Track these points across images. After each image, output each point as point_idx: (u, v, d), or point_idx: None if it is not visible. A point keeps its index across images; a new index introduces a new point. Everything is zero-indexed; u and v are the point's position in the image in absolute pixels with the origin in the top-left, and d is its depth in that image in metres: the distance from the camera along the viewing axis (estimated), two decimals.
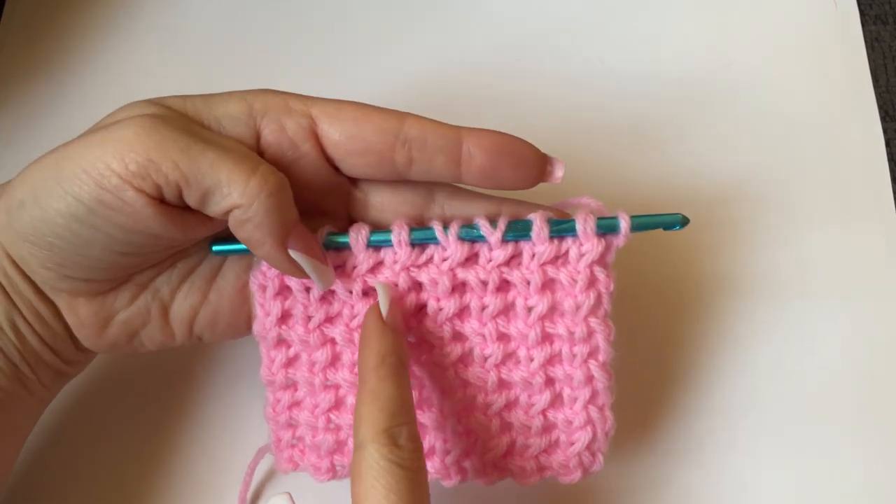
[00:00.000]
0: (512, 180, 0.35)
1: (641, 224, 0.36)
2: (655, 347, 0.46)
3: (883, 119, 0.51)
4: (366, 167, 0.35)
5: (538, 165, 0.35)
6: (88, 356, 0.40)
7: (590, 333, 0.36)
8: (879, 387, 0.45)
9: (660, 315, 0.47)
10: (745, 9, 0.54)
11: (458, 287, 0.36)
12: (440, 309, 0.36)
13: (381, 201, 0.37)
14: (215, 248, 0.37)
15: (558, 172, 0.36)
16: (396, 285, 0.36)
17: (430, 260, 0.36)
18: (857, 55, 0.52)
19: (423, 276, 0.36)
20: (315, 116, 0.35)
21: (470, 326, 0.36)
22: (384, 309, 0.35)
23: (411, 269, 0.36)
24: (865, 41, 0.53)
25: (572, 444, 0.37)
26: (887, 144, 0.50)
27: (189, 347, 0.42)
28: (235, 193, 0.33)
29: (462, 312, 0.36)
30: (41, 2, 0.56)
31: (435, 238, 0.35)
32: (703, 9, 0.54)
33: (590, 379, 0.36)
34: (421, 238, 0.36)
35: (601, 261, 0.36)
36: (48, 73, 0.54)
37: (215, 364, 0.46)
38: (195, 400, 0.45)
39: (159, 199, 0.33)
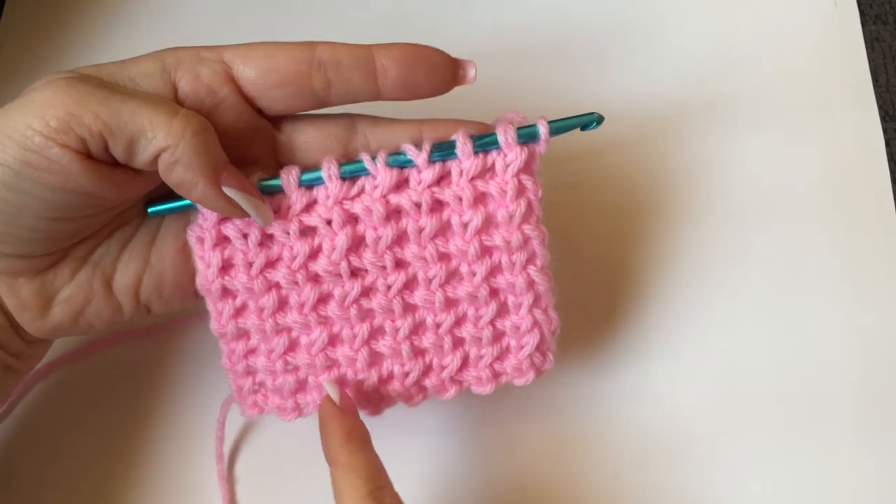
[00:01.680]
0: (428, 87, 0.36)
1: (559, 127, 0.37)
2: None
3: (883, 119, 0.51)
4: (286, 99, 0.36)
5: (450, 68, 0.36)
6: (36, 348, 0.39)
7: (525, 240, 0.37)
8: (879, 387, 0.45)
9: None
10: (745, 9, 0.54)
11: (393, 214, 0.37)
12: (378, 238, 0.37)
13: (305, 140, 0.38)
14: (150, 209, 0.37)
15: (471, 72, 0.37)
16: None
17: (362, 191, 0.37)
18: (857, 55, 0.52)
19: (357, 207, 0.36)
20: (228, 60, 0.36)
21: (410, 251, 0.37)
22: (335, 399, 0.37)
23: (344, 202, 0.36)
24: (865, 41, 0.53)
25: (522, 347, 0.39)
26: (887, 144, 0.50)
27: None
28: (160, 136, 0.33)
29: (401, 239, 0.37)
30: (41, 2, 0.56)
31: (364, 169, 0.36)
32: (703, 9, 0.54)
33: (531, 284, 0.38)
34: (350, 171, 0.36)
35: (527, 169, 0.37)
36: (48, 73, 0.54)
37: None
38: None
39: (86, 154, 0.33)
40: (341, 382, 0.38)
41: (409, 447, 0.44)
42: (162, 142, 0.33)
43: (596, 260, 0.48)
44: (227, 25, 0.55)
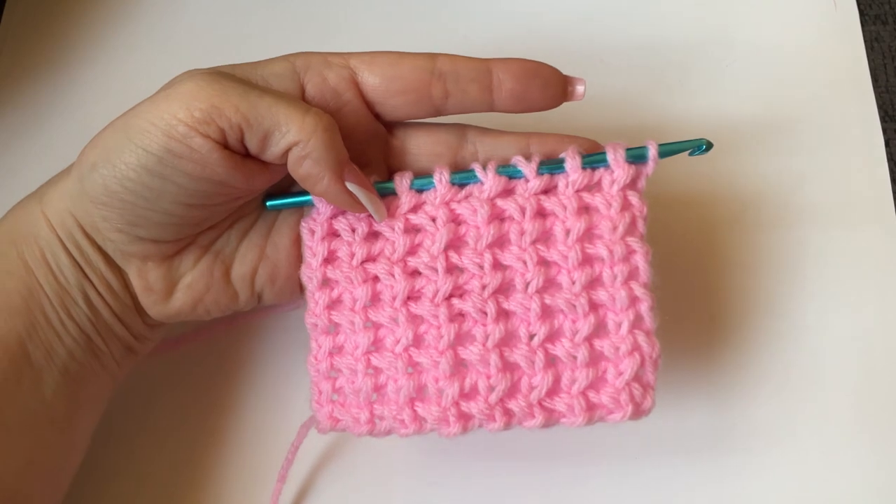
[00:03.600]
0: (540, 101, 0.38)
1: (668, 150, 0.38)
2: None
3: (883, 119, 0.51)
4: (405, 106, 0.38)
5: (562, 84, 0.38)
6: (154, 331, 0.42)
7: (629, 253, 0.37)
8: (879, 387, 0.45)
9: None
10: (745, 9, 0.54)
11: (498, 217, 0.38)
12: (480, 237, 0.37)
13: (417, 145, 0.40)
14: (269, 202, 0.40)
15: (579, 88, 0.38)
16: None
17: (470, 194, 0.38)
18: (857, 55, 0.52)
19: (463, 208, 0.38)
20: (353, 66, 0.38)
21: (510, 254, 0.37)
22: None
23: (451, 203, 0.38)
24: (865, 41, 0.53)
25: (620, 374, 0.36)
26: (887, 144, 0.50)
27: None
28: (293, 131, 0.35)
29: (502, 240, 0.38)
30: (41, 2, 0.56)
31: (474, 177, 0.38)
32: (702, 9, 0.54)
33: (634, 300, 0.37)
34: (461, 178, 0.38)
35: (633, 186, 0.37)
36: (48, 72, 0.54)
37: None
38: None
39: (223, 145, 0.35)
40: (420, 392, 0.37)
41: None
42: (294, 136, 0.35)
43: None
44: (227, 25, 0.55)
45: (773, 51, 0.53)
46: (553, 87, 0.38)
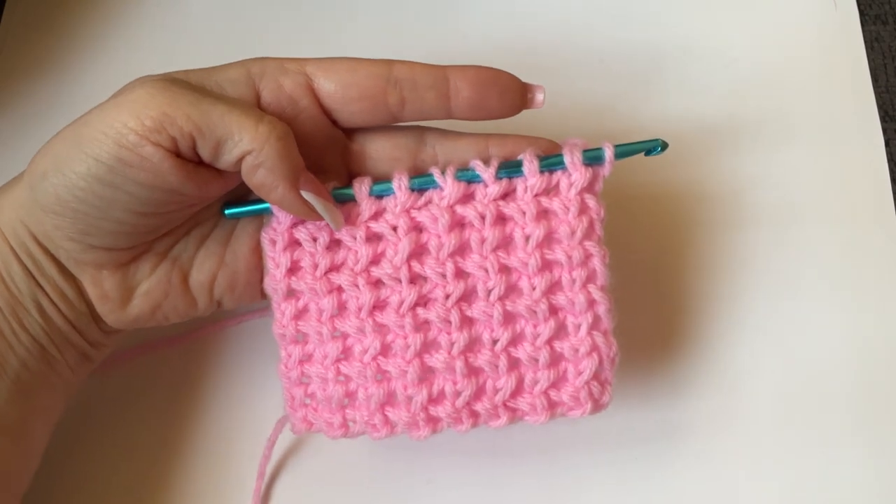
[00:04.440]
0: (498, 109, 0.38)
1: (624, 151, 0.38)
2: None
3: (883, 119, 0.51)
4: (362, 113, 0.37)
5: (520, 92, 0.38)
6: (111, 338, 0.41)
7: (587, 257, 0.38)
8: (878, 388, 0.45)
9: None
10: (745, 8, 0.54)
11: (458, 225, 0.38)
12: (441, 245, 0.37)
13: (376, 149, 0.39)
14: (228, 211, 0.39)
15: (539, 97, 0.38)
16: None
17: (430, 201, 0.38)
18: (857, 55, 0.52)
19: (424, 216, 0.38)
20: (310, 73, 0.37)
21: (472, 262, 0.38)
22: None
23: (412, 210, 0.38)
24: (865, 41, 0.53)
25: (580, 373, 0.38)
26: (887, 144, 0.50)
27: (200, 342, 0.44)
28: (246, 139, 0.35)
29: (463, 249, 0.38)
30: (41, 1, 0.56)
31: (433, 182, 0.38)
32: (702, 8, 0.54)
33: (591, 303, 0.38)
34: (420, 184, 0.38)
35: (590, 189, 0.38)
36: (48, 73, 0.54)
37: (227, 349, 0.47)
38: (208, 385, 0.46)
39: (175, 153, 0.35)
40: (390, 398, 0.38)
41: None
42: (247, 145, 0.35)
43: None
44: (228, 25, 0.55)
45: (772, 50, 0.53)
46: (511, 94, 0.37)
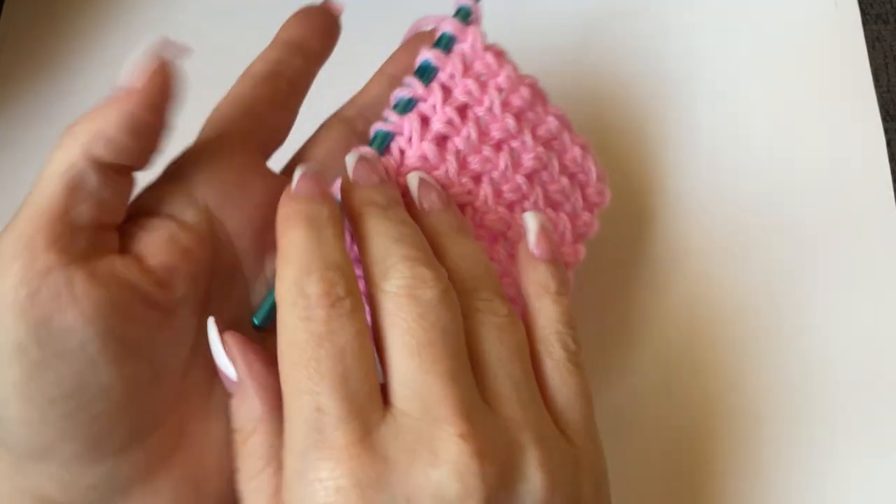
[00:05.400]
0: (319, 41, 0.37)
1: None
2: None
3: (884, 119, 0.51)
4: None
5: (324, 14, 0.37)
6: None
7: (533, 90, 0.39)
8: (878, 388, 0.45)
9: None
10: (744, 8, 0.54)
11: (440, 149, 0.37)
12: (448, 171, 0.36)
13: (317, 154, 0.36)
14: (258, 319, 0.32)
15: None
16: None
17: (402, 154, 0.36)
18: (857, 55, 0.52)
19: (412, 159, 0.36)
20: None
21: (475, 163, 0.37)
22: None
23: (398, 176, 0.36)
24: (866, 41, 0.53)
25: (591, 169, 0.41)
26: (888, 144, 0.50)
27: None
28: None
29: (460, 162, 0.37)
30: (41, 1, 0.56)
31: (385, 134, 0.36)
32: (701, 8, 0.54)
33: (559, 117, 0.40)
34: (378, 145, 0.36)
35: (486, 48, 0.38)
36: (48, 72, 0.54)
37: None
38: None
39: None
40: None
41: None
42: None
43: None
44: (228, 25, 0.55)
45: (772, 50, 0.52)
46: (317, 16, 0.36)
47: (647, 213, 0.49)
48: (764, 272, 0.47)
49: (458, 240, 0.32)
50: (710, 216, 0.49)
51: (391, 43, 0.40)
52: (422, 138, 0.36)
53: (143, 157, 0.30)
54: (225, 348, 0.29)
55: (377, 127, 0.36)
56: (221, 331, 0.29)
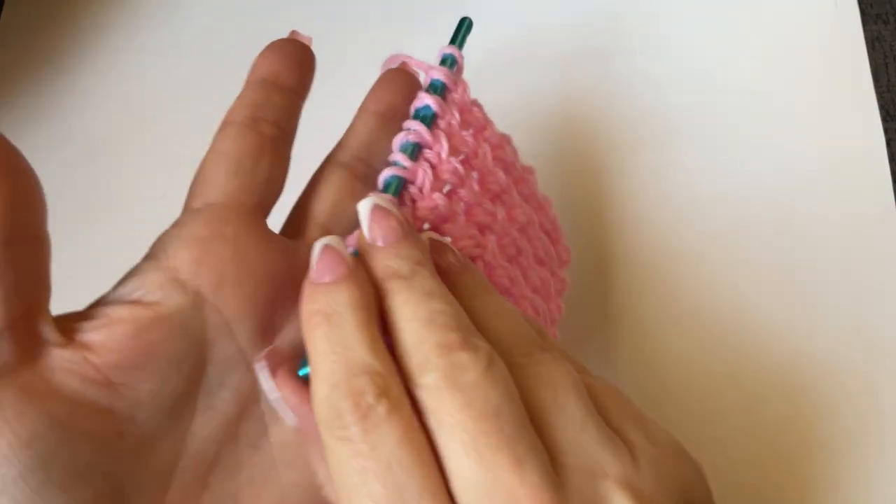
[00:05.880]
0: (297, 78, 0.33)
1: (458, 41, 0.36)
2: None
3: (884, 119, 0.51)
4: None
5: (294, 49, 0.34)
6: None
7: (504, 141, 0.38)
8: (878, 388, 0.45)
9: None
10: (744, 8, 0.54)
11: (454, 191, 0.34)
12: (458, 219, 0.34)
13: (320, 211, 0.32)
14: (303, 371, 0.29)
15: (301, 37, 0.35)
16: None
17: (414, 200, 0.33)
18: (857, 55, 0.52)
19: (425, 208, 0.33)
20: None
21: (480, 212, 0.35)
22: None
23: (418, 204, 0.33)
24: (866, 41, 0.53)
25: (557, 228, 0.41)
26: (888, 144, 0.50)
27: None
28: None
29: (467, 210, 0.35)
30: (41, 1, 0.57)
31: (397, 179, 0.33)
32: (701, 8, 0.54)
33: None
34: (393, 190, 0.33)
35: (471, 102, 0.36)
36: (48, 72, 0.54)
37: None
38: None
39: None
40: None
41: None
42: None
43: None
44: (228, 25, 0.55)
45: (772, 50, 0.52)
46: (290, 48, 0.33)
47: (648, 213, 0.49)
48: (764, 272, 0.47)
49: (487, 300, 0.29)
50: (710, 216, 0.49)
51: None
52: (433, 188, 0.33)
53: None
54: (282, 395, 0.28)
55: (390, 173, 0.32)
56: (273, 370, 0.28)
